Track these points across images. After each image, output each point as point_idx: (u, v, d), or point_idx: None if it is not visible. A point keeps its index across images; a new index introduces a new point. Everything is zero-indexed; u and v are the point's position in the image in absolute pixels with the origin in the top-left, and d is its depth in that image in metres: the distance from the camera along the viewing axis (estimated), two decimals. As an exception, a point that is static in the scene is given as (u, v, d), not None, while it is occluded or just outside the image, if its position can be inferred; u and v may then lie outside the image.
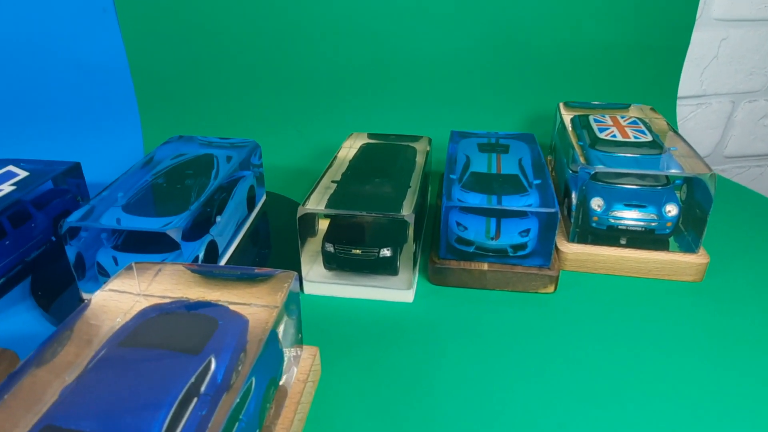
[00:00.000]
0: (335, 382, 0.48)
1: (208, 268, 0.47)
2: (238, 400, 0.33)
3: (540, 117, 0.95)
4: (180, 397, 0.32)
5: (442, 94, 0.95)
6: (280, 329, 0.42)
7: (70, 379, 0.35)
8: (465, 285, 0.60)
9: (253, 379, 0.36)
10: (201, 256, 0.56)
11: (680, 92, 0.96)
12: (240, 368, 0.36)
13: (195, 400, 0.33)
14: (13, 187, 0.63)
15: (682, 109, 0.98)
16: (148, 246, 0.56)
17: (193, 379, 0.33)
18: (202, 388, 0.33)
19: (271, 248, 0.68)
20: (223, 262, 0.62)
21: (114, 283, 0.43)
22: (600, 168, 0.60)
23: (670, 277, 0.61)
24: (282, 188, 0.81)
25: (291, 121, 0.91)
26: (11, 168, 0.68)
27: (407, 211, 0.55)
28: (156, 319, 0.39)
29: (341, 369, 0.49)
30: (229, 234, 0.64)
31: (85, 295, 0.56)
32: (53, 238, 0.66)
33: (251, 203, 0.71)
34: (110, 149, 0.82)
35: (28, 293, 0.60)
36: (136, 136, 0.84)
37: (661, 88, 0.94)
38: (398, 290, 0.57)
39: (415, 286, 0.59)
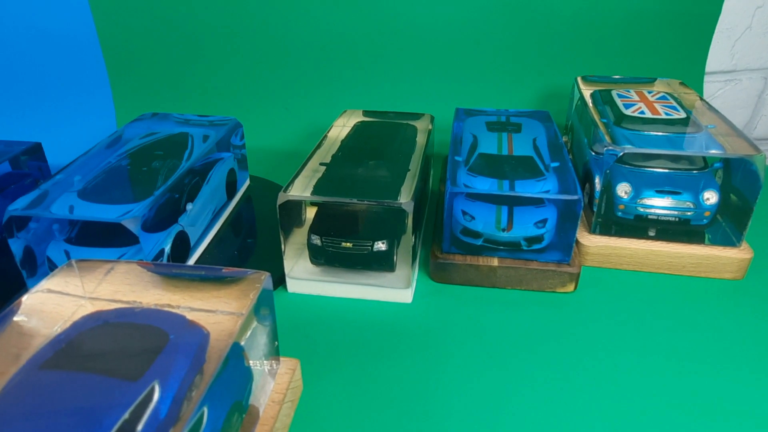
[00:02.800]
0: (319, 400, 0.40)
1: (167, 267, 0.40)
2: (182, 442, 0.26)
3: (552, 93, 0.87)
4: (108, 438, 0.25)
5: (444, 67, 0.86)
6: (245, 341, 0.35)
7: None
8: (471, 283, 0.52)
9: (205, 408, 0.28)
10: (167, 249, 0.49)
11: (708, 67, 0.87)
12: (194, 395, 0.29)
13: (129, 442, 0.26)
14: (-39, 170, 0.56)
15: (709, 86, 0.89)
16: (106, 239, 0.49)
17: (127, 415, 0.26)
18: (140, 426, 0.26)
19: (255, 239, 0.60)
20: (195, 256, 0.54)
21: (52, 282, 0.36)
22: (629, 148, 0.52)
23: (707, 275, 0.53)
24: (268, 172, 0.73)
25: (277, 97, 0.83)
26: (-38, 148, 0.61)
27: (405, 199, 0.47)
28: (93, 332, 0.32)
29: (326, 385, 0.42)
30: (204, 224, 0.56)
31: (34, 295, 0.49)
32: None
33: (231, 189, 0.63)
34: (78, 128, 0.74)
35: (-24, 290, 0.53)
36: (107, 114, 0.76)
37: (687, 62, 0.85)
38: (395, 289, 0.50)
39: (414, 284, 0.51)
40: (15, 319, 0.34)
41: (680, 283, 0.53)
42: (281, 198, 0.48)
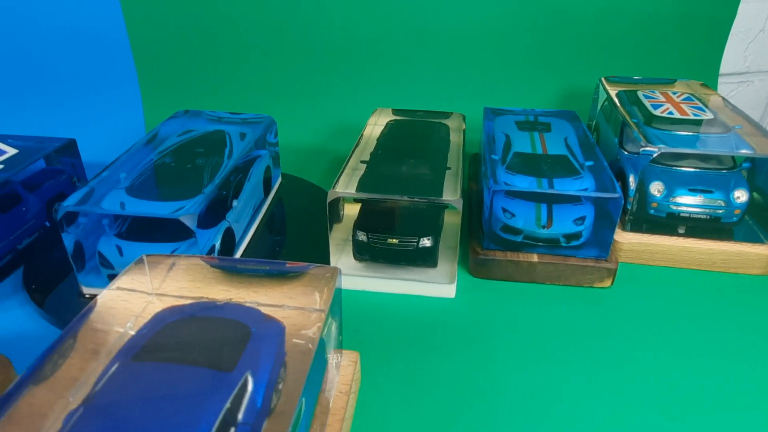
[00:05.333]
0: (375, 392, 0.42)
1: (230, 262, 0.41)
2: (290, 430, 0.26)
3: (570, 93, 0.88)
4: (215, 428, 0.26)
5: (465, 67, 0.87)
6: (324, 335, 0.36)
7: (75, 401, 0.28)
8: (511, 278, 0.54)
9: (303, 401, 0.29)
10: (218, 245, 0.49)
11: (721, 69, 0.89)
12: (280, 387, 0.30)
13: (233, 431, 0.26)
14: (1, 166, 0.56)
15: (723, 87, 0.91)
16: (156, 234, 0.49)
17: (228, 404, 0.27)
18: (240, 416, 0.27)
19: (288, 236, 0.61)
20: (239, 252, 0.55)
21: (123, 280, 0.37)
22: (665, 148, 0.53)
23: (736, 270, 0.55)
24: (295, 169, 0.74)
25: (303, 94, 0.84)
26: (-3, 144, 0.61)
27: (453, 196, 0.48)
28: (176, 325, 0.33)
29: (381, 377, 0.43)
30: (246, 220, 0.57)
31: (85, 290, 0.50)
32: (47, 224, 0.59)
33: (267, 186, 0.64)
34: (107, 124, 0.74)
35: (20, 286, 0.53)
36: (136, 110, 0.76)
37: (703, 64, 0.87)
38: (439, 284, 0.51)
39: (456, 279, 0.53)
40: (90, 316, 0.35)
41: (711, 279, 0.54)
42: (331, 195, 0.49)
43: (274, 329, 0.33)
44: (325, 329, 0.34)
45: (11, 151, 0.59)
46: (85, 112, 0.75)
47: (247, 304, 0.36)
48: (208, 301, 0.35)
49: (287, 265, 0.39)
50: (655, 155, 0.53)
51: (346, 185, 0.51)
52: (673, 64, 0.87)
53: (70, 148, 0.63)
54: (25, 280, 0.52)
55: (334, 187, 0.49)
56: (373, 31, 0.84)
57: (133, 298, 0.37)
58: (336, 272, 0.37)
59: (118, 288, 0.37)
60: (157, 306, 0.36)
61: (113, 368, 0.30)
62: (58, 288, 0.51)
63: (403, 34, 0.85)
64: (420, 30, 0.85)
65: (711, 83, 0.89)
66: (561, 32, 0.86)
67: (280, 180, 0.70)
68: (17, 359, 0.41)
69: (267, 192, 0.64)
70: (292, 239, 0.60)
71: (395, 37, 0.85)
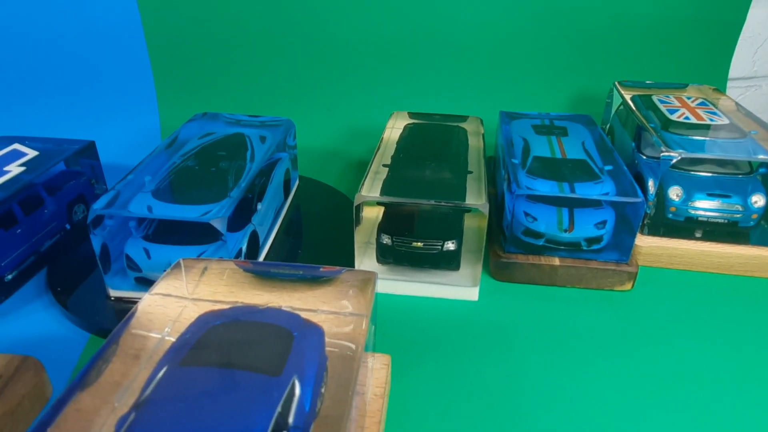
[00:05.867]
0: (405, 394, 0.42)
1: (264, 266, 0.41)
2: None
3: (581, 97, 0.89)
4: (270, 429, 0.26)
5: (475, 72, 0.88)
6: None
7: (121, 406, 0.29)
8: (532, 281, 0.54)
9: (354, 404, 0.30)
10: (244, 248, 0.50)
11: (730, 73, 0.90)
12: (323, 390, 0.30)
13: (284, 435, 0.27)
14: (23, 168, 0.56)
15: (731, 92, 0.92)
16: (183, 236, 0.50)
17: (279, 408, 0.28)
18: (290, 419, 0.28)
19: (308, 238, 0.61)
20: (262, 255, 0.55)
21: (162, 286, 0.37)
22: (686, 153, 0.54)
23: (753, 274, 0.56)
24: (311, 171, 0.74)
25: (317, 97, 0.84)
26: (17, 147, 0.61)
27: (479, 200, 0.49)
28: (218, 330, 0.33)
29: (409, 379, 0.43)
30: (268, 223, 0.57)
31: (112, 292, 0.50)
32: (67, 226, 0.60)
33: (286, 188, 0.64)
34: (123, 126, 0.74)
35: (43, 288, 0.53)
36: (151, 112, 0.76)
37: (712, 68, 0.88)
38: (463, 287, 0.52)
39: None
40: (131, 322, 0.35)
41: (728, 282, 0.55)
42: (358, 199, 0.49)
43: (315, 333, 0.33)
44: (369, 334, 0.35)
45: (31, 153, 0.59)
46: (101, 113, 0.75)
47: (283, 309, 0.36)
48: (249, 306, 0.35)
49: (321, 269, 0.40)
50: (675, 160, 0.54)
51: (369, 189, 0.52)
52: (683, 68, 0.88)
53: (89, 149, 0.63)
54: (49, 283, 0.52)
55: (360, 191, 0.50)
56: (386, 35, 0.84)
57: (169, 302, 0.37)
58: (374, 277, 0.37)
59: (157, 293, 0.37)
60: (193, 311, 0.37)
61: (161, 373, 0.30)
62: (84, 290, 0.51)
63: (415, 38, 0.85)
64: (432, 35, 0.85)
65: (720, 87, 0.90)
66: (569, 37, 0.87)
67: (297, 183, 0.70)
68: (47, 362, 0.41)
69: (286, 195, 0.64)
70: (312, 242, 0.60)
71: (408, 41, 0.85)
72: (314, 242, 0.60)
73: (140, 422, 0.27)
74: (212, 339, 0.32)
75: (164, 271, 0.49)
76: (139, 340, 0.34)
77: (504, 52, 0.87)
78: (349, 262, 0.54)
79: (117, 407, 0.29)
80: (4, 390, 0.38)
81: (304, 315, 0.36)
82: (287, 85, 0.84)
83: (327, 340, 0.33)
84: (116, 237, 0.50)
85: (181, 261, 0.39)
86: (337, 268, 0.40)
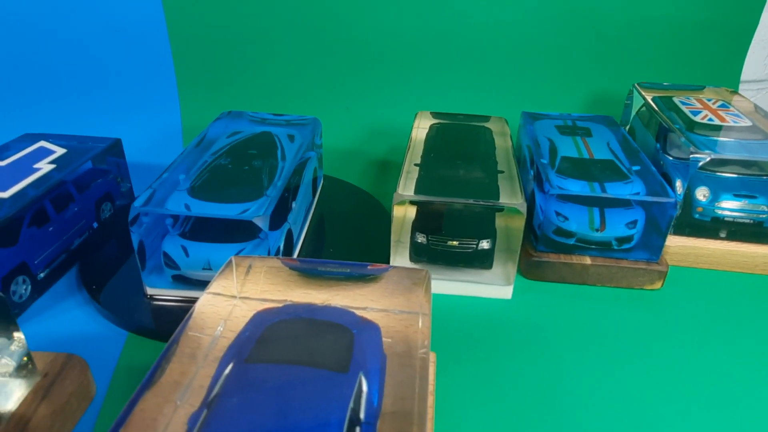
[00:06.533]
0: (452, 390, 0.42)
1: (311, 264, 0.41)
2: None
3: (596, 99, 0.90)
4: (345, 427, 0.26)
5: (492, 72, 0.88)
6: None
7: (184, 404, 0.29)
8: (563, 280, 0.55)
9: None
10: (281, 247, 0.50)
11: (742, 76, 0.92)
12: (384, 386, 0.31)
13: (358, 430, 0.27)
14: (53, 166, 0.56)
15: (742, 94, 0.94)
16: (219, 234, 0.50)
17: (351, 403, 0.28)
18: (362, 415, 0.28)
19: (338, 236, 0.62)
20: (295, 254, 0.55)
21: (216, 285, 0.37)
22: (715, 155, 0.55)
23: (777, 273, 0.57)
24: (332, 169, 0.74)
25: (337, 95, 0.84)
26: (44, 144, 0.60)
27: (516, 199, 0.49)
28: (278, 328, 0.33)
29: (451, 375, 0.44)
30: (300, 221, 0.57)
31: (149, 290, 0.50)
32: (95, 225, 0.59)
33: (314, 187, 0.65)
34: (144, 124, 0.74)
35: (75, 286, 0.53)
36: (173, 111, 0.76)
37: (725, 71, 0.90)
38: (496, 286, 0.52)
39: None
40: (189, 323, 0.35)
41: (753, 281, 0.56)
42: (397, 198, 0.50)
43: (373, 330, 0.34)
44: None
45: (60, 151, 0.59)
46: (123, 111, 0.75)
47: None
48: (305, 304, 0.35)
49: (369, 267, 0.40)
50: (704, 161, 0.55)
51: (404, 188, 0.52)
52: (697, 71, 0.89)
53: (115, 148, 0.63)
54: (84, 281, 0.52)
55: (397, 190, 0.50)
56: (404, 36, 0.85)
57: (219, 301, 0.37)
58: (428, 275, 0.38)
59: (211, 293, 0.37)
60: (243, 309, 0.37)
61: (227, 370, 0.30)
62: (120, 288, 0.51)
63: (433, 39, 0.86)
64: (449, 36, 0.86)
65: (733, 90, 0.91)
66: (583, 40, 0.88)
67: (322, 181, 0.70)
68: (86, 360, 0.41)
69: (313, 193, 0.65)
70: (340, 240, 0.60)
71: (426, 42, 0.86)
72: (342, 240, 0.60)
73: (215, 419, 0.27)
74: (274, 336, 0.32)
75: (202, 268, 0.49)
76: (194, 339, 0.34)
77: (520, 53, 0.88)
78: (378, 259, 0.55)
79: (179, 405, 0.29)
80: (52, 388, 0.38)
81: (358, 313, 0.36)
82: (306, 83, 0.84)
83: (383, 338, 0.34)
84: (149, 235, 0.50)
85: (233, 259, 0.39)
86: (384, 265, 0.41)
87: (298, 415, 0.27)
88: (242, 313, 0.36)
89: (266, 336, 0.32)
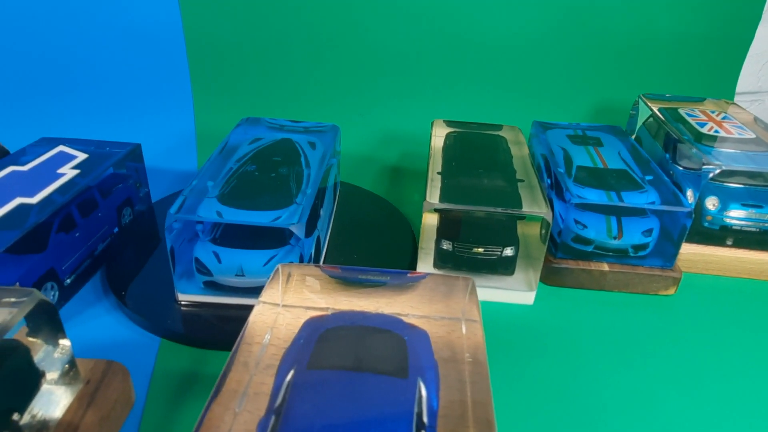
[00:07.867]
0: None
1: (351, 272, 0.42)
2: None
3: (600, 108, 0.93)
4: (414, 429, 0.27)
5: (502, 82, 0.90)
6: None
7: (242, 411, 0.29)
8: (581, 286, 0.57)
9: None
10: (312, 254, 0.51)
11: (737, 88, 0.95)
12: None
13: (423, 433, 0.28)
14: (77, 171, 0.56)
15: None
16: (249, 241, 0.50)
17: (416, 407, 0.29)
18: (425, 419, 0.29)
19: (360, 243, 0.62)
20: (321, 261, 0.56)
21: (266, 294, 0.38)
22: (727, 166, 0.57)
23: (782, 279, 0.60)
24: (346, 176, 0.75)
25: (350, 102, 0.85)
26: (63, 149, 0.60)
27: (541, 208, 0.51)
28: (332, 335, 0.34)
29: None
30: (325, 228, 0.58)
31: (180, 296, 0.50)
32: (116, 230, 0.59)
33: (334, 193, 0.65)
34: (159, 129, 0.74)
35: (100, 292, 0.53)
36: (187, 116, 0.76)
37: (721, 83, 0.93)
38: (519, 292, 0.54)
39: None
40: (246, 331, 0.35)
41: (761, 287, 0.59)
42: (427, 207, 0.51)
43: (422, 336, 0.35)
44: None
45: (81, 156, 0.59)
46: (137, 115, 0.75)
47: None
48: (355, 311, 0.36)
49: (408, 275, 0.41)
50: (716, 172, 0.57)
51: (431, 196, 0.53)
52: (693, 82, 0.93)
53: (135, 153, 0.63)
54: (111, 286, 0.52)
55: (426, 199, 0.51)
56: (417, 45, 0.86)
57: (265, 309, 0.38)
58: (472, 283, 0.39)
59: (263, 302, 0.38)
60: (287, 317, 0.37)
61: (288, 378, 0.31)
62: (149, 294, 0.51)
63: (445, 50, 0.88)
64: (460, 47, 0.88)
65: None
66: (586, 52, 0.90)
67: (339, 188, 0.71)
68: (129, 365, 0.42)
69: (334, 200, 0.65)
70: (363, 246, 0.61)
71: (438, 52, 0.87)
72: (363, 246, 0.61)
73: (286, 424, 0.28)
74: (330, 343, 0.33)
75: (235, 275, 0.50)
76: (245, 347, 0.35)
77: (529, 65, 0.90)
78: (400, 265, 0.56)
79: (238, 413, 0.30)
80: (96, 395, 0.39)
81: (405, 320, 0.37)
82: (321, 90, 0.85)
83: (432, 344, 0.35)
84: (178, 241, 0.51)
85: (280, 267, 0.40)
86: (422, 273, 0.42)
87: (367, 420, 0.28)
88: (287, 321, 0.37)
89: (322, 343, 0.33)
